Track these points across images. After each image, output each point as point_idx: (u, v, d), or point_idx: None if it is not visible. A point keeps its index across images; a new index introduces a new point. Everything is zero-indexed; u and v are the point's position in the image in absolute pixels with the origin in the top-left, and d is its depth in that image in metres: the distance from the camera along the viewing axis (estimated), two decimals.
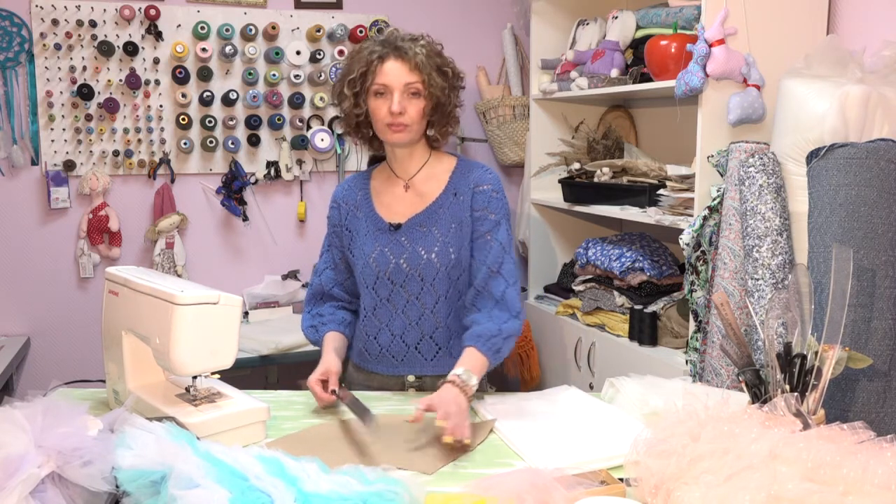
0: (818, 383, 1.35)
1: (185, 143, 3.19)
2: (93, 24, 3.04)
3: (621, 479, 1.22)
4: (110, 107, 3.09)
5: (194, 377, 1.51)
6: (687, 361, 2.24)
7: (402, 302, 1.79)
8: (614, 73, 2.67)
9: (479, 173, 1.80)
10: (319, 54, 3.31)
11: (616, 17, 2.74)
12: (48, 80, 3.03)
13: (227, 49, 3.17)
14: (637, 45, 2.70)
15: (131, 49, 3.08)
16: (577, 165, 2.93)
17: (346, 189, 1.89)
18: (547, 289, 3.24)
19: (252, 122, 3.27)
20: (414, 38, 1.73)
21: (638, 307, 2.58)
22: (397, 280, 1.78)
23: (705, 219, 2.14)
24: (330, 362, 1.72)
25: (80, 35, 3.04)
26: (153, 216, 3.22)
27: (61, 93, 3.05)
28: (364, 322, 1.84)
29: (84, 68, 3.07)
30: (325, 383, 1.67)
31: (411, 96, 1.70)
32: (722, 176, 2.13)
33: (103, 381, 1.70)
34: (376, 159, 1.95)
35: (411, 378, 1.82)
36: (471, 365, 1.60)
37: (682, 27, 2.43)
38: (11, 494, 1.00)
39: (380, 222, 1.81)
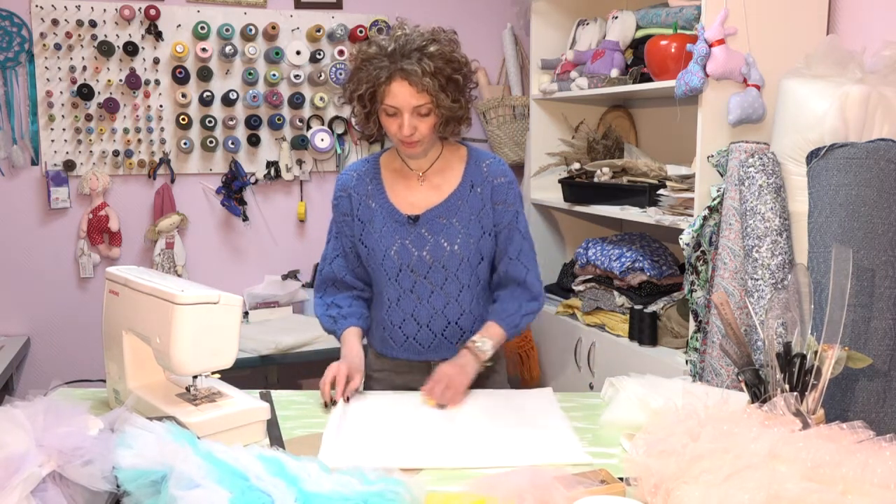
0: (818, 383, 1.35)
1: (185, 143, 3.19)
2: (93, 24, 3.04)
3: (621, 479, 1.22)
4: (110, 107, 3.09)
5: (194, 377, 1.51)
6: (687, 361, 2.24)
7: (426, 292, 1.81)
8: (614, 73, 2.67)
9: (493, 165, 1.83)
10: (319, 54, 3.31)
11: (616, 17, 2.74)
12: (48, 80, 3.03)
13: (227, 49, 3.17)
14: (637, 45, 2.69)
15: (131, 49, 3.08)
16: (577, 165, 2.92)
17: (355, 178, 1.85)
18: (547, 289, 3.23)
19: (252, 122, 3.27)
20: (423, 45, 1.66)
21: (638, 307, 2.57)
22: (420, 271, 1.80)
23: (705, 219, 2.14)
24: (357, 360, 1.78)
25: (80, 35, 3.05)
26: (153, 216, 3.22)
27: (61, 93, 3.05)
28: (388, 312, 1.85)
29: (84, 68, 3.07)
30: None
31: (421, 116, 1.69)
32: (722, 176, 2.13)
33: (103, 381, 1.70)
34: None
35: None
36: (488, 334, 1.79)
37: (682, 27, 2.43)
38: (12, 493, 1.00)
39: (396, 214, 1.81)
